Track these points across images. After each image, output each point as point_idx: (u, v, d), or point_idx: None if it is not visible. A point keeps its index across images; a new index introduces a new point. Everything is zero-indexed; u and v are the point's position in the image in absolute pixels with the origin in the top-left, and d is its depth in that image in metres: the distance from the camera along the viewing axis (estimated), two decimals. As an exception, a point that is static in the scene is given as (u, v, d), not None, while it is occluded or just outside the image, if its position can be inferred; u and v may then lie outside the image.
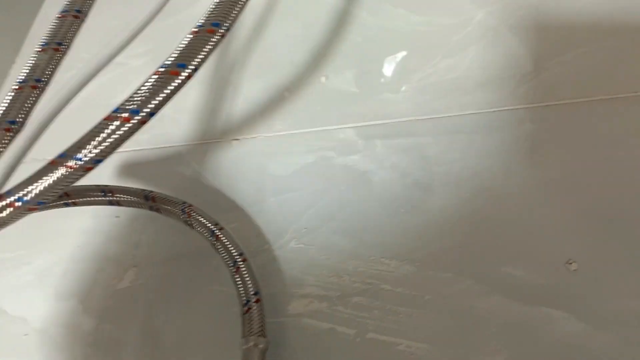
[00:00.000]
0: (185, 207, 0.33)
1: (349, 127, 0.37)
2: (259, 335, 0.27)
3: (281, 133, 0.38)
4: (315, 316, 0.30)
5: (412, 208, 0.32)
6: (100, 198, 0.32)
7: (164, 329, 0.32)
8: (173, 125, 0.41)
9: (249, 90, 0.41)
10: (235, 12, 0.25)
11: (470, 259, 0.29)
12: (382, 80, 0.38)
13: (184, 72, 0.23)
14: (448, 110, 0.36)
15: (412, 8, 0.41)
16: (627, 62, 0.33)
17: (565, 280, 0.27)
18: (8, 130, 0.24)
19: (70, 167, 0.21)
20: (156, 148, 0.41)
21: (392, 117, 0.37)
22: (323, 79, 0.40)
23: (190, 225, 0.32)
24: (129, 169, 0.40)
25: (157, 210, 0.33)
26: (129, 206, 0.32)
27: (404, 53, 0.39)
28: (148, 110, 0.22)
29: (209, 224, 0.32)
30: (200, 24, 0.24)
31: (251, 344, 0.27)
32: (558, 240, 0.28)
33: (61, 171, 0.21)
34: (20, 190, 0.21)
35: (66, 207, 0.30)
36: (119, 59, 0.47)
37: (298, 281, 0.31)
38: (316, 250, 0.32)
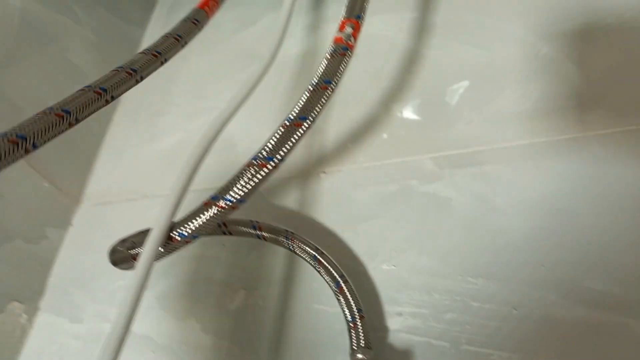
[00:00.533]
0: (288, 235, 0.37)
1: (426, 158, 0.41)
2: (365, 348, 0.31)
3: (365, 165, 0.42)
4: (411, 331, 0.33)
5: (491, 230, 0.35)
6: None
7: (274, 345, 0.36)
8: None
9: (332, 127, 0.45)
10: (342, 68, 0.29)
11: (553, 275, 0.32)
12: (454, 112, 0.42)
13: (305, 123, 0.27)
14: (519, 139, 0.39)
15: (478, 44, 0.45)
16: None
17: (646, 294, 0.30)
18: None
19: (221, 207, 0.26)
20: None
21: (466, 146, 0.40)
22: (399, 114, 0.44)
23: (293, 251, 0.37)
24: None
25: (264, 238, 0.37)
26: (242, 236, 0.37)
27: (472, 86, 0.42)
28: (279, 157, 0.26)
29: (311, 250, 0.36)
30: (315, 82, 0.28)
31: (360, 356, 0.30)
32: (633, 253, 0.31)
33: (213, 210, 0.26)
34: (180, 226, 0.26)
35: (223, 235, 0.35)
36: (209, 103, 0.53)
37: (392, 300, 0.35)
38: (406, 271, 0.36)
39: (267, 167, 0.26)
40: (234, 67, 0.56)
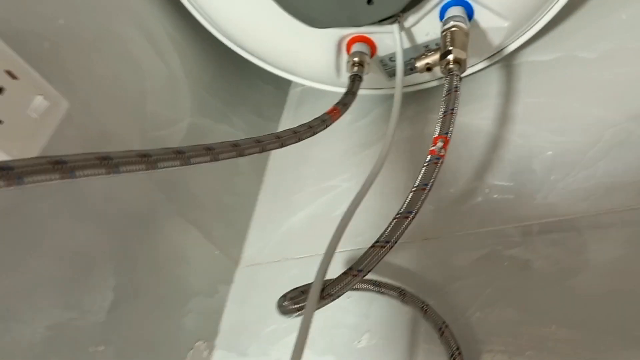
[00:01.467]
0: (401, 290, 0.49)
1: (510, 227, 0.51)
2: (463, 378, 0.41)
3: (458, 233, 0.53)
4: (499, 366, 0.43)
5: (568, 288, 0.45)
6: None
7: (393, 375, 0.48)
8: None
9: (432, 202, 0.57)
10: (435, 174, 0.41)
11: (628, 327, 0.40)
12: (533, 188, 0.52)
13: (410, 215, 0.39)
14: (591, 210, 0.48)
15: (553, 130, 0.55)
16: None
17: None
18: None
19: (354, 275, 0.38)
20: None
21: (545, 217, 0.50)
22: (487, 190, 0.55)
23: (406, 302, 0.48)
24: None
25: (382, 293, 0.50)
26: (367, 291, 0.49)
27: (549, 167, 0.52)
28: (395, 240, 0.38)
29: (419, 302, 0.47)
30: (416, 185, 0.40)
31: (458, 384, 0.41)
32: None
33: (349, 277, 0.38)
34: (329, 288, 0.39)
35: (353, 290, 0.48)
36: (332, 183, 0.67)
37: (483, 341, 0.45)
38: (495, 319, 0.46)
39: (386, 248, 0.38)
40: (350, 152, 0.70)
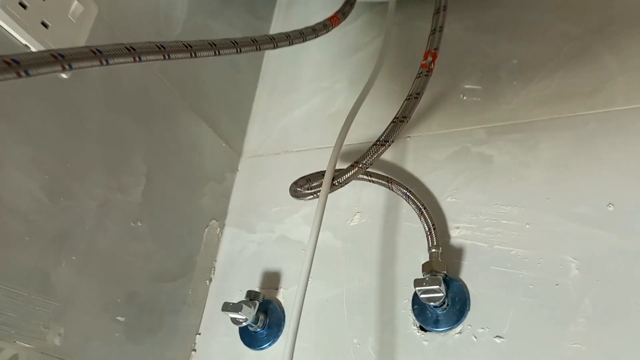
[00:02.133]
0: (388, 179, 0.59)
1: (478, 128, 0.61)
2: (436, 246, 0.53)
3: (436, 132, 0.64)
4: (464, 237, 0.55)
5: (521, 178, 0.56)
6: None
7: (380, 246, 0.60)
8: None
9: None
10: (426, 84, 0.50)
11: (564, 205, 0.52)
12: (498, 92, 0.62)
13: (405, 120, 0.48)
14: (545, 115, 0.58)
15: (517, 41, 0.63)
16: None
17: None
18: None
19: (360, 167, 0.48)
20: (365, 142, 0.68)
21: (507, 120, 0.60)
22: (461, 95, 0.64)
23: (392, 189, 0.59)
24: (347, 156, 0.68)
25: (373, 181, 0.60)
26: (360, 180, 0.59)
27: (514, 75, 0.62)
28: (392, 140, 0.48)
29: (404, 188, 0.58)
30: (410, 94, 0.49)
31: (434, 250, 0.53)
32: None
33: (355, 169, 0.48)
34: (337, 177, 0.49)
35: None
36: (326, 83, 0.74)
37: (453, 219, 0.57)
38: (463, 202, 0.58)
39: (385, 146, 0.48)
40: (342, 55, 0.77)
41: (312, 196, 0.52)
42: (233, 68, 0.77)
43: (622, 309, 0.45)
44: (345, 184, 0.49)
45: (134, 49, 0.36)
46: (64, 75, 0.49)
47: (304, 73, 0.79)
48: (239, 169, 0.75)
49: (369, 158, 0.48)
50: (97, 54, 0.34)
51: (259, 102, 0.81)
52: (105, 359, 0.52)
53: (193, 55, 0.41)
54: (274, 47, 0.48)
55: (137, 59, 0.36)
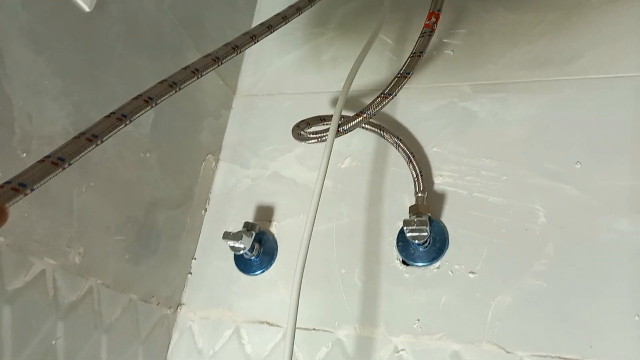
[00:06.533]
0: (381, 127, 0.64)
1: (465, 84, 0.66)
2: (423, 191, 0.59)
3: (426, 85, 0.68)
4: (447, 184, 0.62)
5: (501, 133, 0.62)
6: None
7: (369, 182, 0.66)
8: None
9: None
10: (429, 43, 0.54)
11: (536, 160, 0.59)
12: (484, 53, 0.67)
13: (409, 76, 0.53)
14: (526, 78, 0.64)
15: (509, 8, 0.68)
16: None
17: None
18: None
19: (365, 117, 0.53)
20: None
21: (492, 79, 0.66)
22: (450, 52, 0.69)
23: (384, 137, 0.64)
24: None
25: (366, 128, 0.65)
26: (356, 127, 0.64)
27: (501, 39, 0.67)
28: (395, 93, 0.53)
29: (395, 136, 0.63)
30: (413, 51, 0.53)
31: (420, 194, 0.59)
32: None
33: (360, 118, 0.53)
34: (343, 124, 0.53)
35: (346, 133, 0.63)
36: (319, 30, 0.77)
37: (438, 168, 0.63)
38: (447, 153, 0.64)
39: (388, 99, 0.52)
40: (336, 3, 0.80)
41: (316, 140, 0.57)
42: (230, 6, 0.78)
43: (580, 253, 0.53)
44: (350, 131, 0.54)
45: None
46: (86, 9, 0.50)
47: (298, 17, 0.81)
48: (232, 106, 0.78)
49: (374, 109, 0.53)
50: None
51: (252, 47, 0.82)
52: (118, 276, 0.56)
53: None
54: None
55: None
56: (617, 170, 0.55)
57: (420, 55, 0.54)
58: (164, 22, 0.62)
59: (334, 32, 0.78)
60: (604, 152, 0.57)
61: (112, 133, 0.36)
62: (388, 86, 0.53)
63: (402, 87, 0.53)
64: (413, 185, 0.61)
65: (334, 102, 0.71)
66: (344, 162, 0.68)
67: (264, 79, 0.79)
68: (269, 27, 0.50)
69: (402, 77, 0.53)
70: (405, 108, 0.68)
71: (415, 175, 0.61)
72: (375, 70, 0.72)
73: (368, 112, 0.53)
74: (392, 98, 0.53)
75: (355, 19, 0.78)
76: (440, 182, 0.62)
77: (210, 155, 0.73)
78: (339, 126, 0.54)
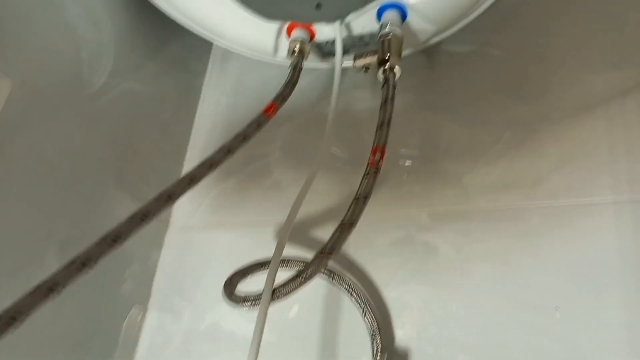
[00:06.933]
0: (330, 272, 0.56)
1: (423, 212, 0.59)
2: (384, 352, 0.50)
3: (381, 215, 0.61)
4: (416, 338, 0.53)
5: (467, 273, 0.54)
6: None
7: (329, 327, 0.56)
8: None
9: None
10: (374, 182, 0.47)
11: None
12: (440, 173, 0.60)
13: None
14: (489, 206, 0.57)
15: (463, 123, 0.62)
16: None
17: None
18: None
19: (304, 279, 0.44)
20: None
21: (453, 204, 0.58)
22: (404, 177, 0.62)
23: (334, 283, 0.55)
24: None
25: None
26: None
27: (457, 161, 0.60)
28: (337, 251, 0.44)
29: (345, 284, 0.54)
30: (358, 194, 0.46)
31: (379, 358, 0.50)
32: None
33: (299, 280, 0.44)
34: (279, 289, 0.44)
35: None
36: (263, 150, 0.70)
37: (398, 316, 0.54)
38: (408, 297, 0.55)
39: (330, 256, 0.44)
40: (276, 122, 0.73)
41: (249, 306, 0.47)
42: (163, 134, 0.71)
43: None
44: (288, 296, 0.45)
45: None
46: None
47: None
48: (164, 243, 0.69)
49: (312, 269, 0.44)
50: None
51: (189, 167, 0.75)
52: None
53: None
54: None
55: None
56: (604, 313, 0.47)
57: (365, 200, 0.46)
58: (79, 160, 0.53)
59: (276, 155, 0.70)
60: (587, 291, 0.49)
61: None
62: (330, 240, 0.45)
63: (346, 240, 0.45)
64: (370, 344, 0.51)
65: (279, 234, 0.62)
66: (290, 310, 0.59)
67: (202, 208, 0.70)
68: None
69: (342, 231, 0.45)
70: (357, 243, 0.60)
71: (372, 332, 0.51)
72: (323, 194, 0.64)
73: (304, 274, 0.44)
74: (334, 256, 0.44)
75: (295, 138, 0.71)
76: (402, 335, 0.53)
77: (137, 306, 0.63)
78: (273, 292, 0.45)
